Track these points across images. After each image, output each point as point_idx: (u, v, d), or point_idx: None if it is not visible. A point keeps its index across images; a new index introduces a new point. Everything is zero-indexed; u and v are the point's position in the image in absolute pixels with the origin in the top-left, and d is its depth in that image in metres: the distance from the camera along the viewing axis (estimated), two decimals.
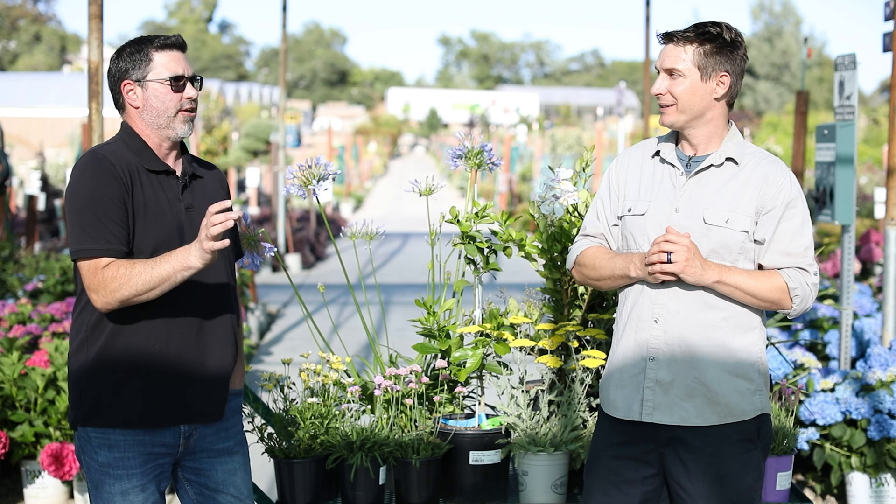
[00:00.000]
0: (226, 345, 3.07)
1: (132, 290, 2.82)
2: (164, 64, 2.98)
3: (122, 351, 2.93)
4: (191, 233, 2.97)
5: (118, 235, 2.87)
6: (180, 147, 3.08)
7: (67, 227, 2.93)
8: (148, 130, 3.01)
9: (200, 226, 2.80)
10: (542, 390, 3.71)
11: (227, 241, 2.78)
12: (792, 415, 3.97)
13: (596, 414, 3.64)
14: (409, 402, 3.64)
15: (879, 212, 11.67)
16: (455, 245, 3.84)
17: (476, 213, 3.85)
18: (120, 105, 3.03)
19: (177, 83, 2.99)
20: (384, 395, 3.67)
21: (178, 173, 3.04)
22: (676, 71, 2.94)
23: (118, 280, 2.82)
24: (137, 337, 2.93)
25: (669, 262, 2.85)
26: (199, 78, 3.07)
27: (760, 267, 2.97)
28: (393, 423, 3.65)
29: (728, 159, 2.99)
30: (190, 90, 3.01)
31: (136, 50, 2.99)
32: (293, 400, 3.74)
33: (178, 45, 3.03)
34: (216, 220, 2.75)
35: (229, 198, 3.22)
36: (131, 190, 2.91)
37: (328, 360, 3.85)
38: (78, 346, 2.98)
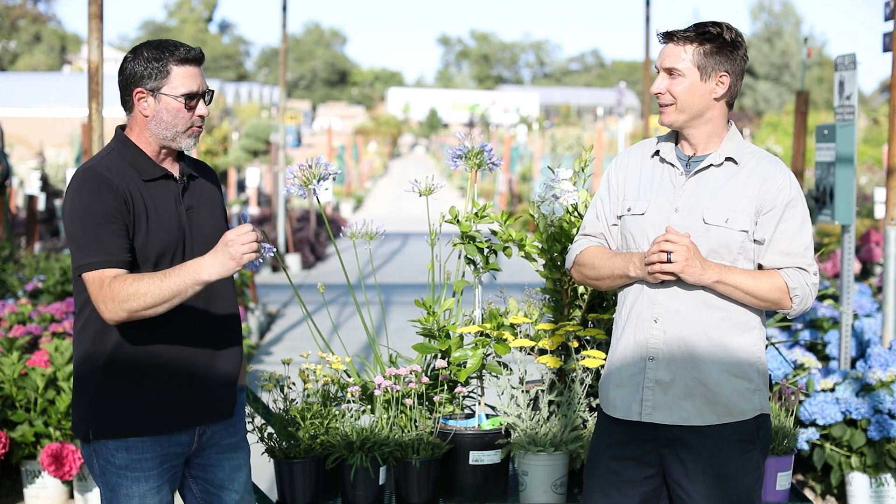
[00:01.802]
0: (233, 343, 3.08)
1: (141, 303, 2.78)
2: (181, 79, 2.92)
3: (132, 358, 2.91)
4: (192, 235, 2.97)
5: (120, 246, 2.84)
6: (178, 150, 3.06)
7: (69, 244, 2.90)
8: (150, 138, 2.96)
9: (227, 241, 2.77)
10: (542, 390, 3.71)
11: (255, 255, 2.78)
12: (792, 415, 3.97)
13: (596, 414, 3.64)
14: (409, 402, 3.64)
15: (879, 212, 11.67)
16: (455, 245, 3.84)
17: (476, 213, 3.85)
18: (128, 107, 2.98)
19: (190, 101, 2.94)
20: (384, 395, 3.67)
21: (176, 175, 3.02)
22: (676, 70, 2.94)
23: (126, 291, 2.78)
24: (147, 342, 2.91)
25: (669, 261, 2.85)
26: (211, 92, 3.02)
27: (760, 267, 2.97)
28: (393, 423, 3.65)
29: (728, 159, 2.99)
30: (202, 107, 2.97)
31: (156, 58, 2.92)
32: (293, 400, 3.74)
33: (198, 59, 2.97)
34: (248, 238, 2.76)
35: (222, 195, 3.22)
36: (131, 203, 2.88)
37: (328, 361, 3.85)
38: (84, 357, 2.95)
